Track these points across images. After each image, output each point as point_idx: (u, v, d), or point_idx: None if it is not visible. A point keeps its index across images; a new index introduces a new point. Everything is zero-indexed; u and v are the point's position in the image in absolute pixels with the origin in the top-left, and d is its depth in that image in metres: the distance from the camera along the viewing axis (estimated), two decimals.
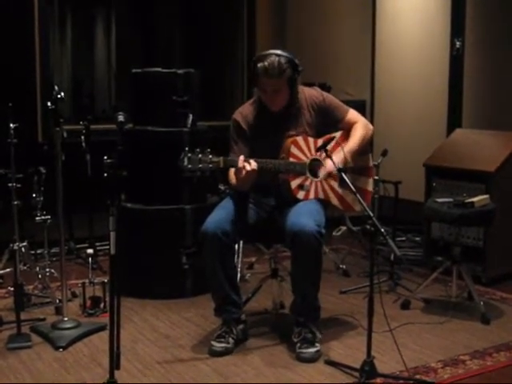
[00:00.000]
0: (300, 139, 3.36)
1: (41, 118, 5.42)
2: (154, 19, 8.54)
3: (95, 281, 3.99)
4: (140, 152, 4.21)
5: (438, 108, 5.33)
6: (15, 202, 3.94)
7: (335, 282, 4.50)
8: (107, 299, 3.72)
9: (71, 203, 4.13)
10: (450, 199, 3.95)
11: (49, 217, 4.27)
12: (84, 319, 3.74)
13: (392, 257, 4.36)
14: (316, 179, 3.38)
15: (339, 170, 3.12)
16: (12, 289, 3.90)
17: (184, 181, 4.08)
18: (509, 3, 4.87)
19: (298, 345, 3.27)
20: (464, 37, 5.12)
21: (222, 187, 4.53)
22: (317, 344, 3.28)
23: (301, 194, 3.34)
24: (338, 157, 3.33)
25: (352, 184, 3.08)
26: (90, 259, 4.32)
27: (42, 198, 4.30)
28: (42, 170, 4.33)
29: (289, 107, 3.41)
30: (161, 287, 4.16)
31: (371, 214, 2.87)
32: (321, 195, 3.40)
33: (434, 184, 4.68)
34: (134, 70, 4.36)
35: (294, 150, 3.33)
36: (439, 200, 3.98)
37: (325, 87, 4.98)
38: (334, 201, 3.46)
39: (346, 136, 3.50)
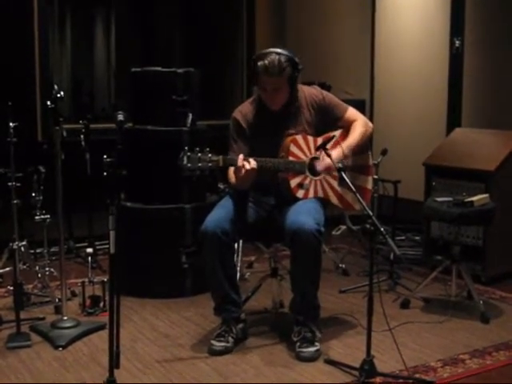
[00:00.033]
0: (299, 138, 3.36)
1: (40, 117, 5.42)
2: (153, 18, 8.54)
3: (95, 280, 3.99)
4: (139, 151, 4.21)
5: (438, 107, 5.33)
6: (15, 201, 3.94)
7: (335, 281, 4.51)
8: (107, 298, 3.72)
9: (71, 202, 4.12)
10: (450, 198, 3.95)
11: (48, 216, 4.27)
12: (83, 318, 3.74)
13: (391, 256, 4.36)
14: (315, 178, 3.38)
15: (339, 169, 3.12)
16: (11, 288, 3.90)
17: (183, 180, 4.08)
18: (508, 3, 4.87)
19: (298, 344, 3.27)
20: (463, 36, 5.12)
21: (221, 186, 4.53)
22: (316, 343, 3.28)
23: (300, 193, 3.35)
24: (337, 152, 3.33)
25: (351, 182, 3.08)
26: (89, 258, 4.32)
27: (41, 197, 4.30)
28: (42, 169, 4.33)
29: (288, 106, 3.41)
30: (160, 286, 4.16)
31: (370, 213, 2.87)
32: (320, 194, 3.40)
33: (434, 183, 4.68)
34: (133, 69, 4.36)
35: (293, 148, 3.33)
36: (439, 199, 3.98)
37: (324, 86, 4.97)
38: (334, 199, 3.46)
39: (346, 135, 3.50)
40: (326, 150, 3.20)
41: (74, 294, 4.08)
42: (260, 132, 3.42)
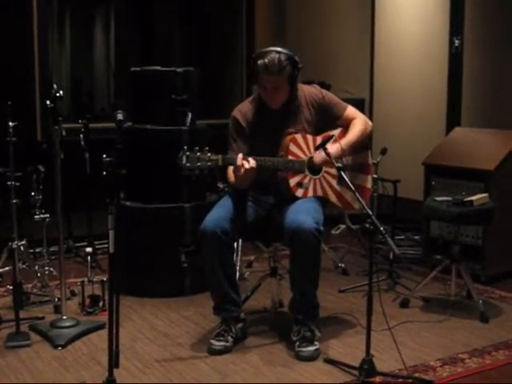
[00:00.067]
0: (299, 137, 3.36)
1: (40, 117, 5.42)
2: (152, 17, 8.55)
3: (94, 279, 3.99)
4: (139, 150, 4.21)
5: (437, 106, 5.33)
6: (14, 201, 3.94)
7: (334, 280, 4.50)
8: (106, 298, 3.72)
9: (70, 201, 4.12)
10: (449, 198, 3.95)
11: (48, 215, 4.27)
12: (83, 318, 3.74)
13: (391, 255, 4.36)
14: (315, 177, 3.38)
15: (338, 168, 3.12)
16: (11, 287, 3.90)
17: (183, 179, 4.08)
18: (508, 2, 4.87)
19: (297, 343, 3.27)
20: (463, 35, 5.12)
21: (220, 185, 4.53)
22: (316, 342, 3.28)
23: (299, 192, 3.34)
24: (335, 147, 3.33)
25: (351, 181, 3.08)
26: (88, 258, 4.31)
27: (40, 197, 4.30)
28: (41, 168, 4.33)
29: (288, 105, 3.41)
30: (160, 285, 4.16)
31: (370, 212, 2.87)
32: (319, 193, 3.40)
33: (433, 182, 4.68)
34: (132, 69, 4.35)
35: (292, 147, 3.33)
36: (438, 198, 3.98)
37: (324, 85, 4.97)
38: (333, 198, 3.46)
39: (345, 133, 3.49)
40: (325, 149, 3.20)
41: (73, 294, 4.08)
42: (259, 131, 3.42)
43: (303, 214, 3.18)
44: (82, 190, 4.69)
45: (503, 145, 4.48)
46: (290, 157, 3.32)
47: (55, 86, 3.57)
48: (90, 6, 9.10)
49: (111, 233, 2.58)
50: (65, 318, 3.58)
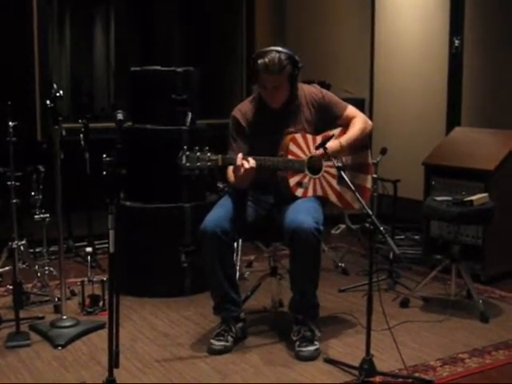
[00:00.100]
0: (299, 136, 3.36)
1: (40, 117, 5.42)
2: (152, 18, 8.55)
3: (94, 279, 3.99)
4: (139, 150, 4.21)
5: (437, 106, 5.33)
6: (14, 201, 3.94)
7: (334, 280, 4.50)
8: (106, 297, 3.72)
9: (70, 201, 4.12)
10: (449, 197, 3.95)
11: (48, 215, 4.27)
12: (83, 318, 3.74)
13: (391, 255, 4.36)
14: (315, 176, 3.38)
15: (338, 168, 3.12)
16: (11, 287, 3.90)
17: (183, 179, 4.08)
18: (508, 2, 4.87)
19: (297, 343, 3.27)
20: (463, 35, 5.12)
21: (220, 185, 4.53)
22: (316, 342, 3.28)
23: (299, 192, 3.34)
24: (334, 143, 3.33)
25: (351, 181, 3.08)
26: (88, 257, 4.31)
27: (40, 197, 4.30)
28: (41, 168, 4.33)
29: (288, 104, 3.41)
30: (160, 285, 4.16)
31: (370, 212, 2.87)
32: (319, 192, 3.40)
33: (433, 182, 4.68)
34: (132, 69, 4.35)
35: (292, 147, 3.33)
36: (438, 198, 3.98)
37: (324, 85, 4.97)
38: (333, 198, 3.46)
39: (345, 133, 3.49)
40: (325, 149, 3.20)
41: (73, 294, 4.08)
42: (259, 130, 3.42)
43: (303, 213, 3.18)
44: (81, 189, 4.69)
45: (503, 145, 4.48)
46: (290, 156, 3.32)
47: (55, 85, 3.57)
48: (90, 6, 9.10)
49: (111, 233, 2.58)
50: (65, 317, 3.58)
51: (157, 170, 4.19)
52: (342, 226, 5.67)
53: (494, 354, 3.32)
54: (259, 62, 3.26)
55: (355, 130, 3.47)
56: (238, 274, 3.94)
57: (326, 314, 3.77)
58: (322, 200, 3.41)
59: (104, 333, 3.32)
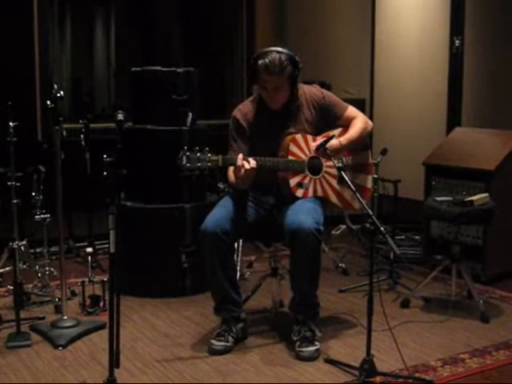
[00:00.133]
0: (299, 137, 3.36)
1: (40, 117, 5.43)
2: (153, 18, 8.55)
3: (95, 279, 3.99)
4: (139, 151, 4.21)
5: (438, 107, 5.33)
6: (15, 201, 3.94)
7: (334, 280, 4.50)
8: (107, 298, 3.72)
9: (71, 202, 4.13)
10: (450, 198, 3.95)
11: (48, 215, 4.27)
12: (83, 318, 3.74)
13: (391, 255, 4.36)
14: (315, 177, 3.38)
15: (338, 168, 3.12)
16: (11, 287, 3.90)
17: (183, 179, 4.08)
18: (508, 2, 4.87)
19: (298, 343, 3.27)
20: (463, 35, 5.13)
21: (221, 186, 4.54)
22: (316, 342, 3.28)
23: (299, 192, 3.34)
24: (334, 142, 3.33)
25: (351, 181, 3.08)
26: (89, 258, 4.31)
27: (41, 197, 4.31)
28: (42, 168, 4.33)
29: (289, 105, 3.41)
30: (160, 286, 4.16)
31: (370, 212, 2.87)
32: (320, 193, 3.40)
33: (434, 182, 4.68)
34: (133, 69, 4.35)
35: (292, 147, 3.33)
36: (439, 198, 3.98)
37: (324, 85, 4.98)
38: (333, 199, 3.46)
39: (345, 133, 3.49)
40: (325, 149, 3.20)
41: (73, 294, 4.08)
42: (260, 131, 3.42)
43: (303, 214, 3.18)
44: (82, 190, 4.69)
45: (503, 145, 4.48)
46: (290, 157, 3.32)
47: (56, 86, 3.57)
48: (91, 6, 9.10)
49: (112, 233, 2.58)
50: (65, 318, 3.58)
51: (157, 171, 4.19)
52: (343, 227, 5.67)
53: (494, 354, 3.32)
54: (259, 62, 3.26)
55: (355, 130, 3.47)
56: (238, 274, 3.94)
57: (326, 315, 3.77)
58: (323, 200, 3.41)
59: (104, 333, 3.32)
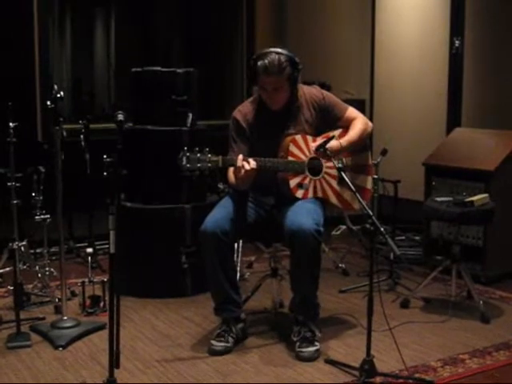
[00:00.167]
0: (299, 138, 3.36)
1: (40, 117, 5.42)
2: (153, 18, 8.55)
3: (95, 280, 3.99)
4: (139, 151, 4.21)
5: (438, 107, 5.33)
6: (15, 201, 3.94)
7: (335, 281, 4.50)
8: (107, 298, 3.72)
9: (71, 202, 4.13)
10: (450, 198, 3.95)
11: (48, 216, 4.27)
12: (83, 318, 3.74)
13: (391, 256, 4.36)
14: (315, 178, 3.38)
15: (338, 169, 3.12)
16: (12, 288, 3.90)
17: (183, 180, 4.08)
18: (508, 2, 4.87)
19: (298, 344, 3.27)
20: (463, 36, 5.13)
21: (221, 186, 4.53)
22: (316, 343, 3.28)
23: (300, 193, 3.34)
24: (334, 143, 3.33)
25: (351, 182, 3.08)
26: (89, 258, 4.32)
27: (41, 197, 4.30)
28: (42, 169, 4.33)
29: (289, 106, 3.41)
30: (160, 286, 4.16)
31: (370, 213, 2.87)
32: (319, 194, 3.40)
33: (434, 183, 4.68)
34: (133, 69, 4.35)
35: (292, 148, 3.33)
36: (439, 199, 3.98)
37: (324, 86, 4.97)
38: (333, 199, 3.46)
39: (345, 134, 3.49)
40: (325, 150, 3.20)
41: (73, 294, 4.08)
42: (260, 132, 3.42)
43: (303, 215, 3.18)
44: (82, 190, 4.69)
45: (504, 145, 4.48)
46: (290, 158, 3.32)
47: (56, 86, 3.58)
48: (91, 6, 9.10)
49: (112, 233, 2.58)
50: (65, 318, 3.58)
51: (157, 171, 4.19)
52: (343, 227, 5.66)
53: (494, 354, 3.32)
54: (259, 63, 3.26)
55: (356, 131, 3.47)
56: (238, 274, 3.94)
57: (326, 315, 3.77)
58: (323, 201, 3.41)
59: (104, 333, 3.32)
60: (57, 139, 3.49)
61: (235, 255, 3.95)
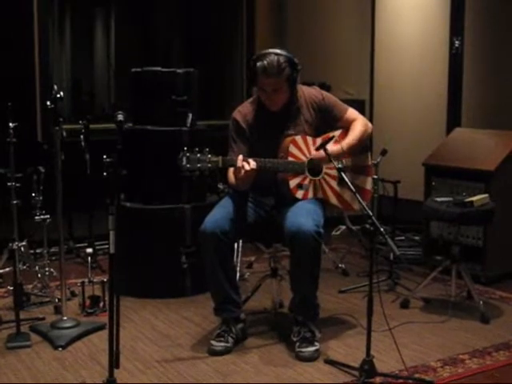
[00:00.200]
0: (299, 138, 3.36)
1: (40, 118, 5.42)
2: (153, 18, 8.55)
3: (94, 280, 3.99)
4: (139, 151, 4.21)
5: (438, 107, 5.33)
6: (14, 202, 3.94)
7: (334, 281, 4.50)
8: (106, 298, 3.72)
9: (70, 202, 4.13)
10: (450, 198, 3.95)
11: (48, 216, 4.27)
12: (83, 318, 3.74)
13: (391, 256, 4.36)
14: (315, 178, 3.38)
15: (338, 169, 3.12)
16: (11, 288, 3.90)
17: (183, 180, 4.08)
18: (509, 2, 4.87)
19: (297, 344, 3.27)
20: (463, 36, 5.13)
21: (221, 186, 4.53)
22: (316, 343, 3.28)
23: (299, 194, 3.34)
24: (335, 147, 3.33)
25: (351, 183, 3.08)
26: (89, 258, 4.32)
27: (41, 198, 4.30)
28: (42, 169, 4.33)
29: (288, 106, 3.41)
30: (160, 286, 4.16)
31: (370, 213, 2.87)
32: (319, 194, 3.40)
33: (434, 183, 4.68)
34: (133, 70, 4.35)
35: (292, 149, 3.33)
36: (438, 199, 3.98)
37: (324, 86, 4.98)
38: (333, 200, 3.46)
39: (345, 135, 3.49)
40: (325, 150, 3.20)
41: (73, 294, 4.08)
42: (260, 132, 3.42)
43: (303, 216, 3.18)
44: (82, 190, 4.69)
45: (503, 145, 4.48)
46: (290, 158, 3.32)
47: (55, 86, 3.58)
48: (91, 6, 9.11)
49: (111, 233, 2.58)
50: (65, 318, 3.58)
51: (157, 171, 4.19)
52: (343, 227, 5.67)
53: (494, 354, 3.32)
54: (258, 64, 3.26)
55: (355, 133, 3.46)
56: (238, 274, 3.94)
57: (326, 315, 3.77)
58: (323, 202, 3.41)
59: (104, 334, 3.32)
60: (57, 139, 3.49)
61: (235, 255, 3.95)
